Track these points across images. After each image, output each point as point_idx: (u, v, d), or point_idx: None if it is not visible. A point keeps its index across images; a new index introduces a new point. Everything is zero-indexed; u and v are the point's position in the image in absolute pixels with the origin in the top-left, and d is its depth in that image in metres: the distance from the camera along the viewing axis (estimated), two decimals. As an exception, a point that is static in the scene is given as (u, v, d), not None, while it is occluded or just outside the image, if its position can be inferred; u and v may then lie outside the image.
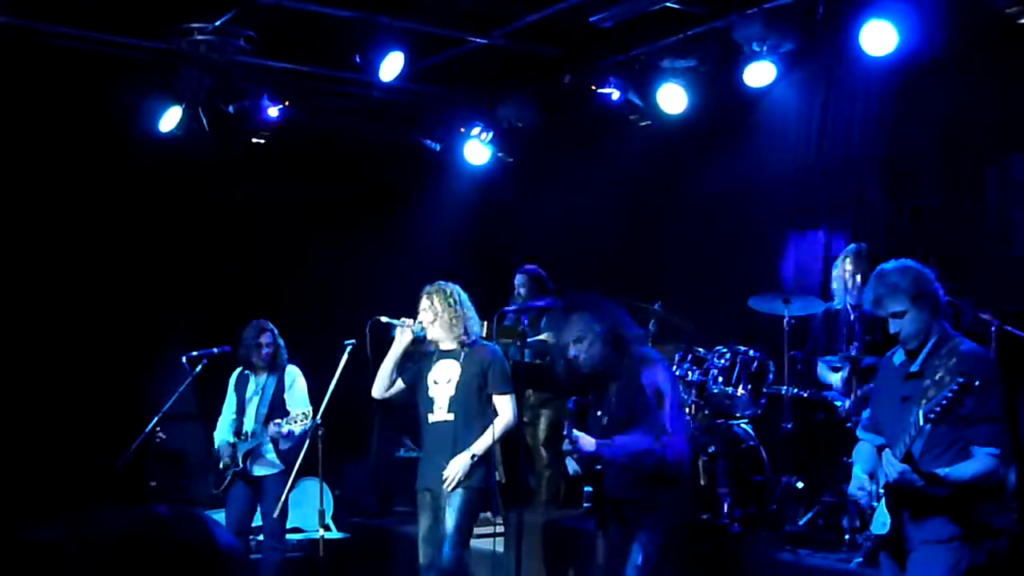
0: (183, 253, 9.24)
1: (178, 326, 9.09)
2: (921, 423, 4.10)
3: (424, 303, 6.13)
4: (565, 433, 5.15)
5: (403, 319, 6.14)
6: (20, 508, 7.35)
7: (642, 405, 5.18)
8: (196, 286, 9.30)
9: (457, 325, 6.08)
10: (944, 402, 4.03)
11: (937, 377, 4.12)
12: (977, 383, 4.00)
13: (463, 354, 6.10)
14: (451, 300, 6.10)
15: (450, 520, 5.94)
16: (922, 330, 4.40)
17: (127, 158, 8.75)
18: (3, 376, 8.19)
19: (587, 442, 5.11)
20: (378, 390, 6.24)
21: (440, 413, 6.09)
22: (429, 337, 6.15)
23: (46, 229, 8.58)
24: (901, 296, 4.38)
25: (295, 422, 6.84)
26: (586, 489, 5.40)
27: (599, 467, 5.26)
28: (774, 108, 8.20)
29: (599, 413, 5.37)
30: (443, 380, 6.11)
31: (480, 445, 5.95)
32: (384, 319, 6.14)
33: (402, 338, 6.13)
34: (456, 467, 5.94)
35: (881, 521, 4.44)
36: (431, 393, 6.13)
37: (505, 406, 6.06)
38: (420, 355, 6.25)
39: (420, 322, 6.11)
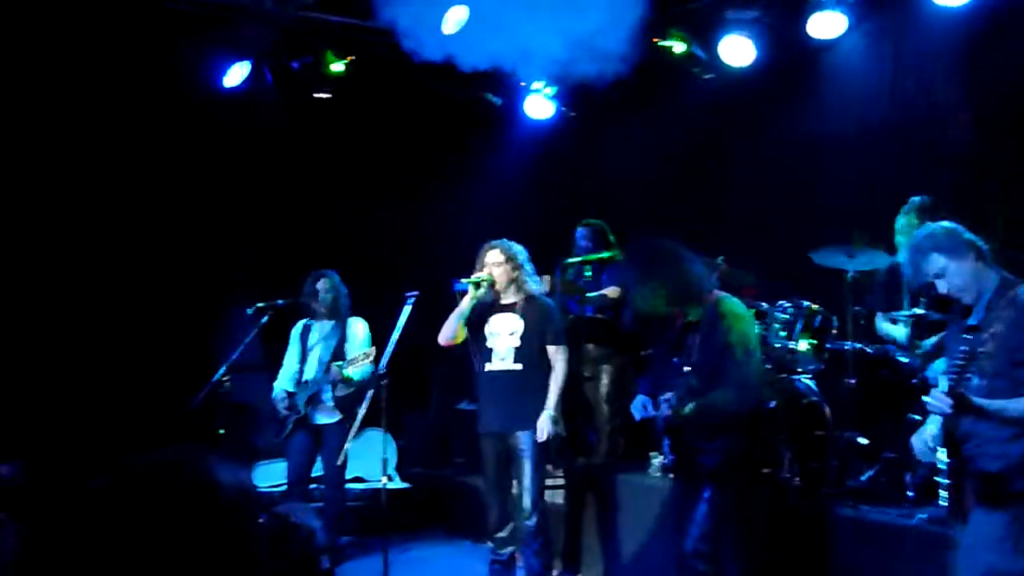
0: (250, 207, 9.35)
1: (245, 278, 9.24)
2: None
3: (492, 256, 6.50)
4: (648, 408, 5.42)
5: (478, 274, 6.47)
6: (88, 456, 7.53)
7: (726, 358, 5.16)
8: (262, 239, 9.42)
9: (522, 281, 6.50)
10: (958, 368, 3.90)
11: (995, 331, 3.88)
12: None
13: (524, 308, 6.49)
14: (518, 258, 6.52)
15: (527, 468, 6.30)
16: (970, 281, 4.15)
17: (193, 114, 8.85)
18: (79, 326, 8.39)
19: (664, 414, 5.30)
20: (444, 337, 6.56)
21: (500, 363, 6.47)
22: (495, 290, 6.54)
23: (118, 183, 8.71)
24: (933, 255, 4.17)
25: (356, 363, 7.05)
26: (665, 440, 5.41)
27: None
28: (843, 61, 8.03)
29: (676, 361, 5.35)
30: (504, 332, 6.48)
31: (552, 401, 6.33)
32: (464, 280, 6.48)
33: (476, 293, 6.47)
34: (544, 427, 6.28)
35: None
36: (490, 343, 6.51)
37: (562, 357, 6.45)
38: (479, 306, 6.56)
39: (491, 275, 6.47)
